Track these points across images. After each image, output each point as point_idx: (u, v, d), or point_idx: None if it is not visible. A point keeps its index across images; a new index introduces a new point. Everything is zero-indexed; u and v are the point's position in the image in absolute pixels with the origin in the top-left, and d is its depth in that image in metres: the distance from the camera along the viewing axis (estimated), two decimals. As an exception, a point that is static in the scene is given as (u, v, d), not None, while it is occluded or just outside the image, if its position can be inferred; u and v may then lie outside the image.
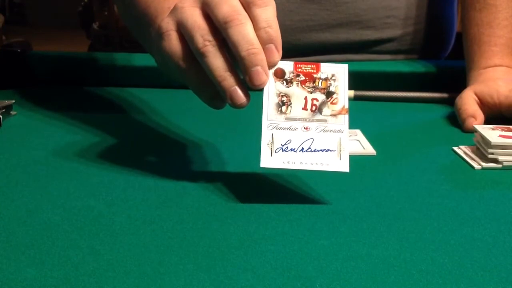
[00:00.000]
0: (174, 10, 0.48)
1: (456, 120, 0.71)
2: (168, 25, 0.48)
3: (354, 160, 0.57)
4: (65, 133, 0.66)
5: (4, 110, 0.69)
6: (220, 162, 0.56)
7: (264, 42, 0.45)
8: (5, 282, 0.34)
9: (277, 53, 0.45)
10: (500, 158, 0.54)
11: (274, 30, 0.45)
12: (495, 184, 0.52)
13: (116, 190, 0.48)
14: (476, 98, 0.70)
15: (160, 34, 0.49)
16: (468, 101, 0.70)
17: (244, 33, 0.44)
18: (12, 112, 0.71)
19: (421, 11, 0.95)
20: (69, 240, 0.39)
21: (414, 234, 0.41)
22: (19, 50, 0.90)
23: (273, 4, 0.46)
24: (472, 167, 0.55)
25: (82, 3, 4.08)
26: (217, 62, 0.45)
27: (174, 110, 0.76)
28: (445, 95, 0.82)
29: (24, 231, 0.40)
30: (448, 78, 0.87)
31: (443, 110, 0.78)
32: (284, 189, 0.49)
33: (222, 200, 0.46)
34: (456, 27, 1.03)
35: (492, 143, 0.54)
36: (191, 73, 0.48)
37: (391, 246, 0.39)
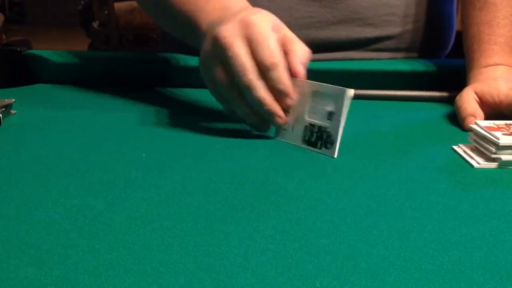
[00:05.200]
0: (215, 43, 0.58)
1: (456, 119, 0.71)
2: (214, 59, 0.59)
3: (354, 159, 0.57)
4: (65, 132, 0.66)
5: (4, 109, 0.69)
6: (220, 162, 0.56)
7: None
8: (5, 281, 0.34)
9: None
10: (501, 157, 0.54)
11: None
12: (494, 182, 0.52)
13: (116, 190, 0.48)
14: (476, 97, 0.70)
15: (206, 65, 0.59)
16: (468, 100, 0.70)
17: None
18: (12, 111, 0.71)
19: (421, 9, 0.95)
20: (69, 240, 0.39)
21: (414, 233, 0.41)
22: (19, 49, 0.90)
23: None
24: (472, 165, 0.55)
25: (82, 2, 4.08)
26: (264, 94, 0.58)
27: (174, 110, 0.76)
28: (445, 94, 0.82)
29: (24, 230, 0.40)
30: (448, 77, 0.87)
31: (443, 109, 0.78)
32: (284, 188, 0.49)
33: (222, 200, 0.46)
34: (456, 25, 1.03)
35: (500, 144, 0.54)
36: (241, 104, 0.60)
37: (391, 245, 0.39)
